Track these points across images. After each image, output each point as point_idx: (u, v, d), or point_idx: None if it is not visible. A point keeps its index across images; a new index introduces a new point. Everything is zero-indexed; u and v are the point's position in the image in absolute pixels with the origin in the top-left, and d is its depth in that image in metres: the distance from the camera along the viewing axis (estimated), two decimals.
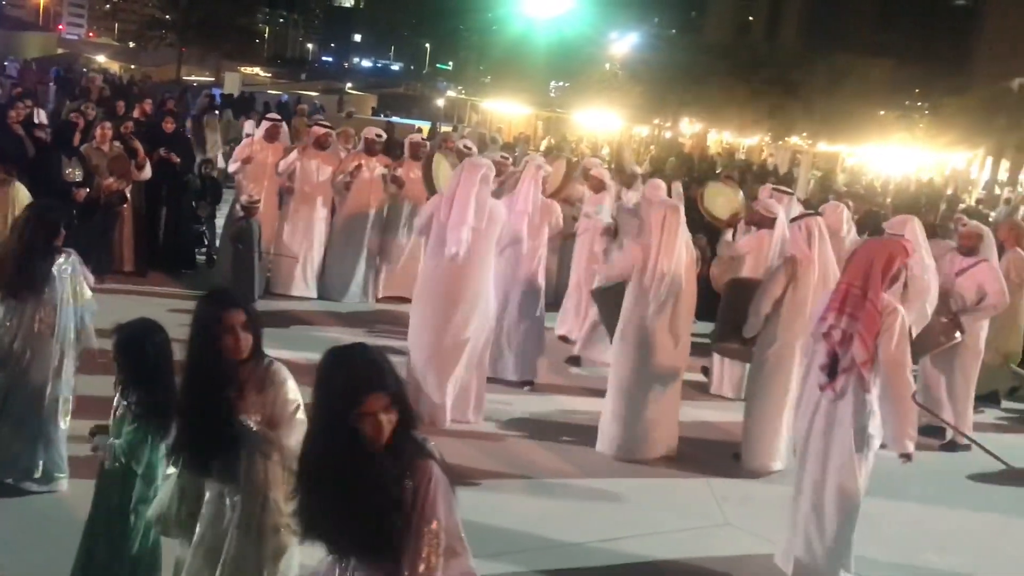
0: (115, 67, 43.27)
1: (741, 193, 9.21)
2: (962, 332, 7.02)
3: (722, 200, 8.44)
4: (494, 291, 6.82)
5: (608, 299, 6.80)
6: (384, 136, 10.13)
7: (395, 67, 78.60)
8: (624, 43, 46.18)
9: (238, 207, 9.14)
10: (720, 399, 7.88)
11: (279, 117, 10.70)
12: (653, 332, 6.21)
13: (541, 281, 7.76)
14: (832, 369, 4.60)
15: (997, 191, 29.46)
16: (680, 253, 6.17)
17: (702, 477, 6.19)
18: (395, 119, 27.48)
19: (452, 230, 6.33)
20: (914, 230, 7.17)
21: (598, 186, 9.03)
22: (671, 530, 5.32)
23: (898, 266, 4.59)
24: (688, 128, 47.63)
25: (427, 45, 64.08)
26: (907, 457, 4.55)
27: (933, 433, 7.20)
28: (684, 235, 6.28)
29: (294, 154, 9.39)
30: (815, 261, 6.30)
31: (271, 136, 9.76)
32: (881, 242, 4.80)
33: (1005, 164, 36.76)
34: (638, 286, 6.24)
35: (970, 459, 6.93)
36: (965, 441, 7.03)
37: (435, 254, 6.56)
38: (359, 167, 9.36)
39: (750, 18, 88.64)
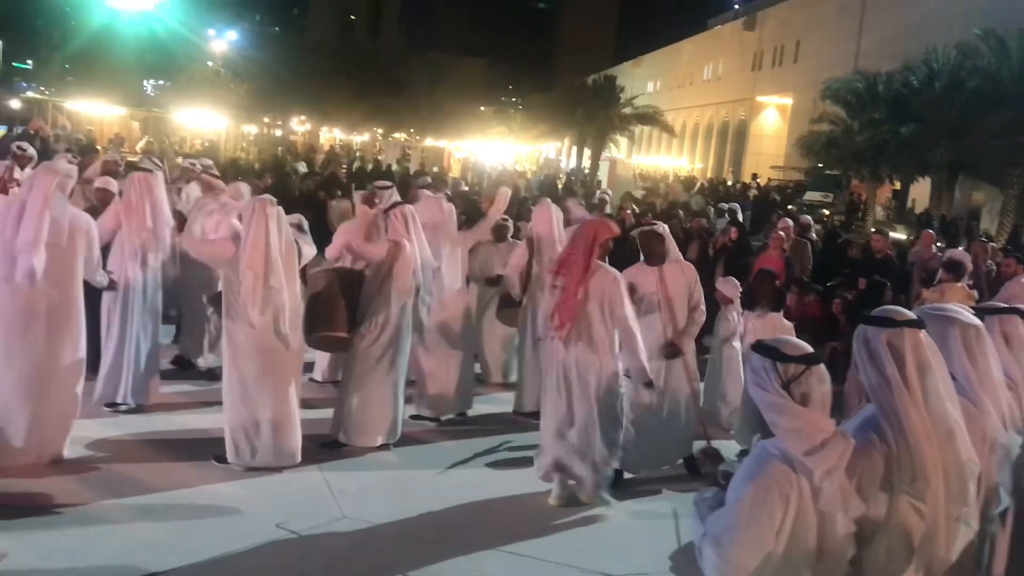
0: None
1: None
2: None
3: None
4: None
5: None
6: None
7: None
8: (224, 40, 44.60)
9: None
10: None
11: None
12: (262, 336, 5.90)
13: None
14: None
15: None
16: (276, 249, 5.87)
17: (318, 473, 6.08)
18: None
19: (24, 249, 5.54)
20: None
21: None
22: (286, 533, 5.12)
23: (604, 238, 5.76)
24: (299, 126, 47.27)
25: None
26: (650, 384, 5.98)
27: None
28: (285, 230, 6.05)
29: None
30: (414, 244, 6.57)
31: None
32: (591, 222, 6.20)
33: (587, 152, 40.81)
34: (229, 286, 5.93)
35: None
36: None
37: (7, 275, 5.67)
38: None
39: (352, 17, 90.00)
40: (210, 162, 10.96)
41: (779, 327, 7.13)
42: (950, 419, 2.76)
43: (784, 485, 2.56)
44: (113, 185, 7.92)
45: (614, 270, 5.83)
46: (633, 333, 5.75)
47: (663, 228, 6.59)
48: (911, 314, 2.84)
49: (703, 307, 6.58)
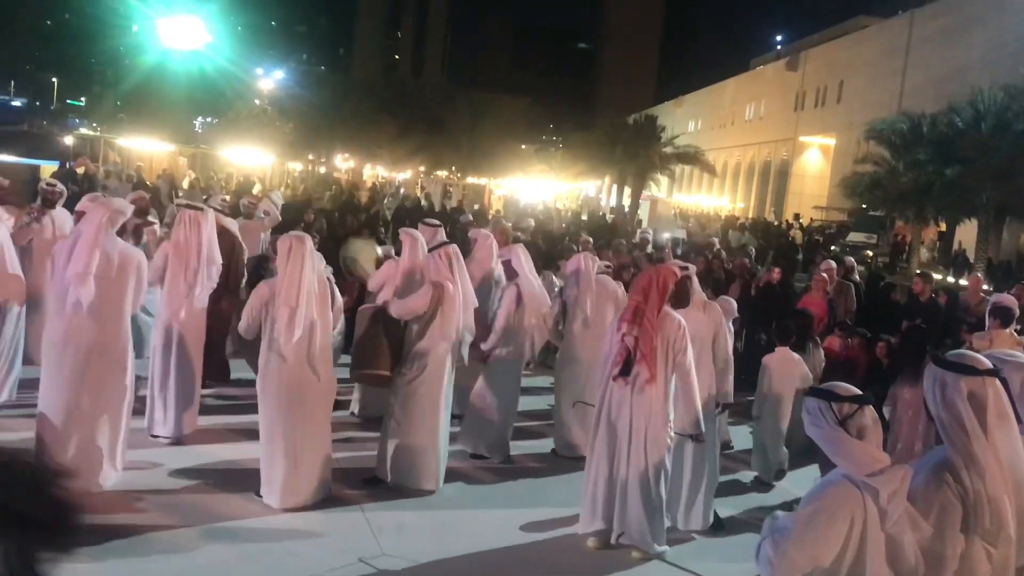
0: None
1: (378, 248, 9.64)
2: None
3: (363, 257, 9.02)
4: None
5: (252, 347, 6.45)
6: None
7: (16, 103, 70.94)
8: (271, 79, 45.56)
9: None
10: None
11: None
12: (296, 369, 5.94)
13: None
14: (626, 366, 5.52)
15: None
16: (311, 284, 5.98)
17: (359, 511, 6.10)
18: (9, 159, 24.46)
19: (73, 281, 5.69)
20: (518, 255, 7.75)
21: None
22: (325, 570, 5.14)
23: (672, 285, 5.62)
24: (343, 163, 47.94)
25: (54, 80, 58.81)
26: (700, 438, 5.80)
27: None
28: (314, 264, 6.11)
29: None
30: (458, 284, 6.58)
31: None
32: (657, 268, 5.93)
33: (627, 191, 40.82)
34: (268, 323, 5.98)
35: None
36: None
37: (58, 307, 5.82)
38: None
39: (396, 57, 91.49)
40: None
41: (787, 359, 7.55)
42: (1023, 467, 2.82)
43: (849, 502, 2.70)
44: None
45: (680, 317, 5.66)
46: (692, 384, 5.62)
47: (692, 270, 6.41)
48: (988, 362, 2.91)
49: (730, 358, 6.50)
